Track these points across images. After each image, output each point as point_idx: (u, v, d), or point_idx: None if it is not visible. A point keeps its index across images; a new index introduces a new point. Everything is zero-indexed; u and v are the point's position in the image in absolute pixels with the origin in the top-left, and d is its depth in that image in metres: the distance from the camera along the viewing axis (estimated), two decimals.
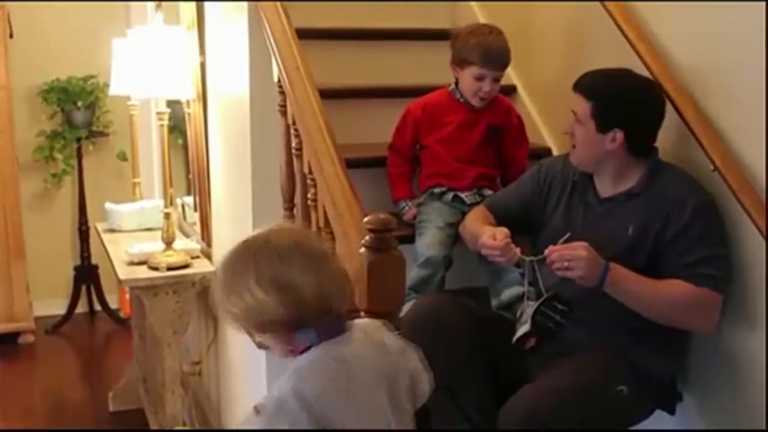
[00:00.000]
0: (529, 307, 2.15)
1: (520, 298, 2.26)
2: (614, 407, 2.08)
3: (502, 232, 2.17)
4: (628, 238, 2.14)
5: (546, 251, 2.07)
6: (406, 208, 2.61)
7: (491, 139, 2.63)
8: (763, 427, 2.05)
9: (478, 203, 2.52)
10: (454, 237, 2.48)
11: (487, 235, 2.17)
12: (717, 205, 2.14)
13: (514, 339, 2.17)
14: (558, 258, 2.04)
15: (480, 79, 2.54)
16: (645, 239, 2.13)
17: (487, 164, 2.63)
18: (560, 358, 2.13)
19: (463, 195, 2.56)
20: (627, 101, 2.16)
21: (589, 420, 1.99)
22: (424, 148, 2.64)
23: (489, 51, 2.52)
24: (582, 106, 2.17)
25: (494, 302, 2.40)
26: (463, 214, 2.51)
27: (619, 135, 2.14)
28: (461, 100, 2.61)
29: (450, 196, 2.57)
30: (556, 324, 2.13)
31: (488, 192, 2.58)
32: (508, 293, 2.37)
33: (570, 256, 2.03)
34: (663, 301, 2.08)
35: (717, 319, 2.10)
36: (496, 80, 2.57)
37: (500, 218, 2.40)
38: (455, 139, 2.60)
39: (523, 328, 2.16)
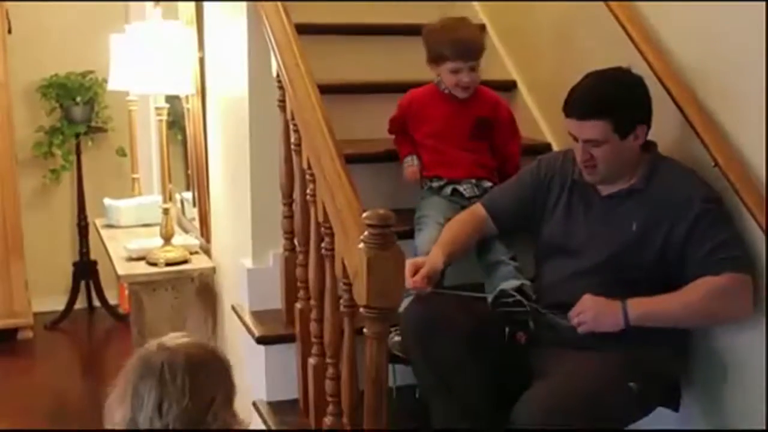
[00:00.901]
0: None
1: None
2: (624, 404, 2.08)
3: (429, 268, 2.20)
4: (633, 234, 2.14)
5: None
6: (409, 161, 2.63)
7: (482, 131, 2.63)
8: (763, 427, 2.05)
9: (477, 197, 2.52)
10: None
11: (409, 269, 2.17)
12: (719, 195, 2.14)
13: (506, 338, 2.21)
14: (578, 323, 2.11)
15: (457, 72, 2.56)
16: (652, 237, 2.12)
17: (482, 154, 2.64)
18: (560, 351, 2.13)
19: (461, 188, 2.56)
20: (632, 96, 2.14)
21: (601, 416, 1.98)
22: (418, 143, 2.65)
23: (459, 44, 2.55)
24: (597, 128, 2.11)
25: (490, 297, 2.40)
26: (462, 208, 2.50)
27: (640, 129, 2.14)
28: (446, 91, 2.62)
29: (449, 189, 2.57)
30: (521, 312, 2.17)
31: (487, 184, 2.58)
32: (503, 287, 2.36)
33: (581, 319, 2.10)
34: (693, 307, 2.07)
35: (749, 300, 2.06)
36: (473, 69, 2.58)
37: (499, 217, 2.40)
38: (445, 130, 2.61)
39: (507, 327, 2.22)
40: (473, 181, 2.58)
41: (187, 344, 1.62)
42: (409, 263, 2.14)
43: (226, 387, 1.62)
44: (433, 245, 2.43)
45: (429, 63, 2.62)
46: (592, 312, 2.09)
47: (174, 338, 1.64)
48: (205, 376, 1.57)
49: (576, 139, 2.17)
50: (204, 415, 1.55)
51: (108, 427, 1.60)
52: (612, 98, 2.12)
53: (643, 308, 2.07)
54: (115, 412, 1.58)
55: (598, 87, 2.15)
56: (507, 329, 2.21)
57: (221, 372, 1.62)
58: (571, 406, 1.94)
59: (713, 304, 2.07)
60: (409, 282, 2.16)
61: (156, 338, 1.67)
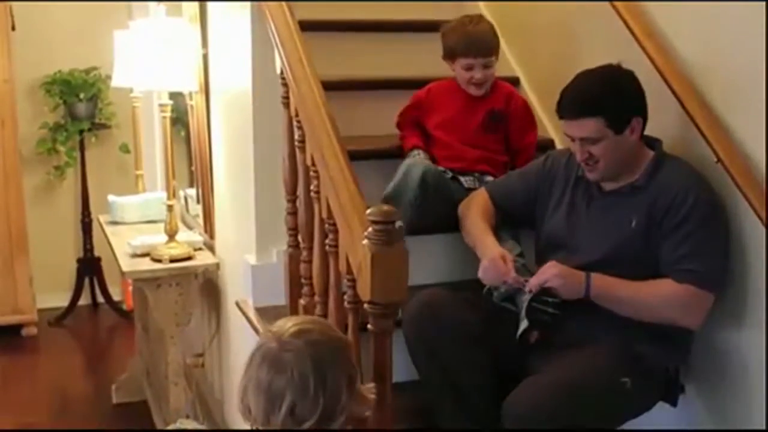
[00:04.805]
0: (524, 303, 2.17)
1: (519, 289, 2.27)
2: (617, 399, 2.08)
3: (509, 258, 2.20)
4: (632, 230, 2.14)
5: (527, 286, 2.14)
6: (415, 154, 2.63)
7: (494, 124, 2.66)
8: (763, 421, 2.05)
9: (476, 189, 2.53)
10: (440, 175, 2.53)
11: (500, 263, 2.18)
12: (718, 202, 2.14)
13: (518, 335, 2.19)
14: (536, 284, 2.12)
15: (470, 68, 2.61)
16: (651, 233, 2.13)
17: (490, 149, 2.65)
18: (564, 351, 2.13)
19: (462, 179, 2.58)
20: (621, 90, 2.14)
21: (592, 412, 1.99)
22: (430, 135, 2.68)
23: (471, 40, 2.59)
24: (590, 126, 2.11)
25: (495, 294, 2.40)
26: (459, 199, 2.50)
27: (636, 121, 2.14)
28: (462, 86, 2.66)
29: (449, 174, 2.60)
30: (551, 315, 2.14)
31: (489, 178, 2.59)
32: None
33: (544, 278, 2.10)
34: (647, 302, 2.10)
35: (701, 315, 2.10)
36: (487, 66, 2.61)
37: (501, 204, 2.40)
38: (455, 123, 2.65)
39: (522, 325, 2.18)
40: (476, 174, 2.60)
41: (309, 341, 1.59)
42: (496, 258, 2.18)
43: (350, 372, 1.62)
44: (417, 166, 2.46)
45: (444, 59, 2.66)
46: (558, 276, 2.10)
47: (291, 330, 1.61)
48: (332, 370, 1.58)
49: (573, 140, 2.18)
50: (335, 408, 1.57)
51: (239, 409, 1.63)
52: (601, 94, 2.13)
53: (603, 287, 2.10)
54: (250, 401, 1.60)
55: (588, 85, 2.16)
56: (520, 328, 2.19)
57: (343, 358, 1.62)
58: (558, 401, 1.94)
59: (667, 307, 2.09)
60: (504, 276, 2.18)
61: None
